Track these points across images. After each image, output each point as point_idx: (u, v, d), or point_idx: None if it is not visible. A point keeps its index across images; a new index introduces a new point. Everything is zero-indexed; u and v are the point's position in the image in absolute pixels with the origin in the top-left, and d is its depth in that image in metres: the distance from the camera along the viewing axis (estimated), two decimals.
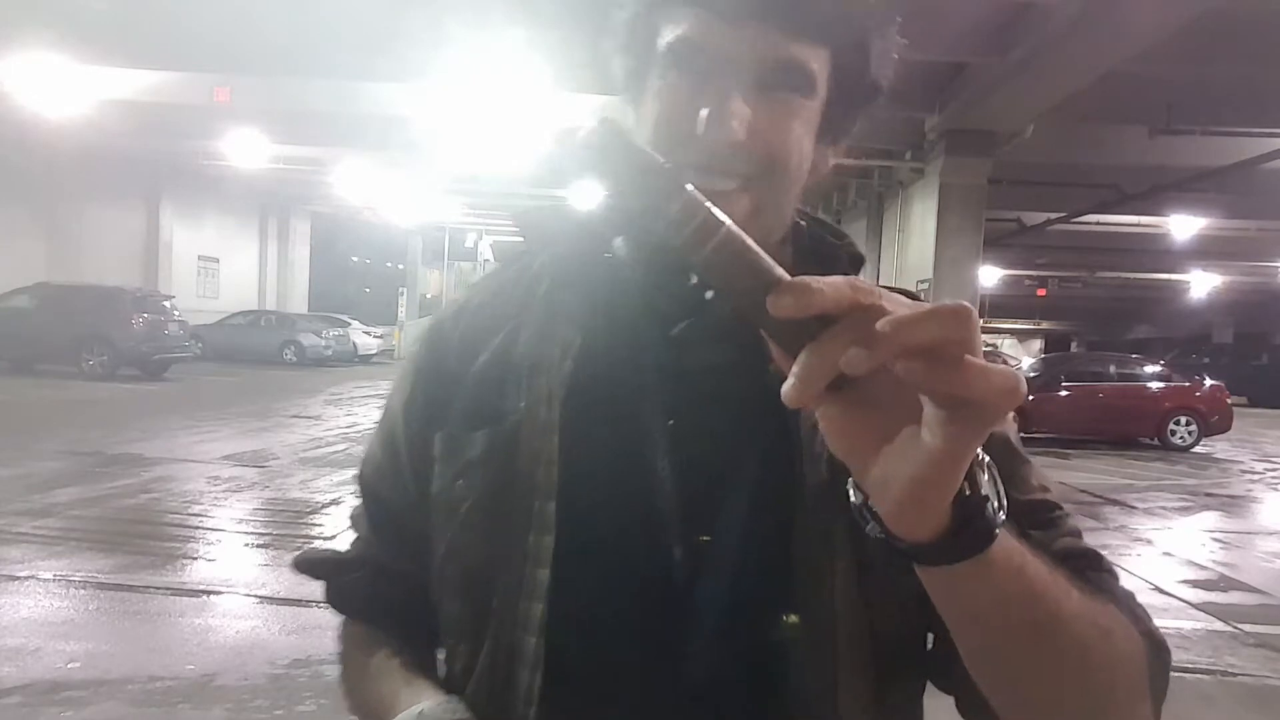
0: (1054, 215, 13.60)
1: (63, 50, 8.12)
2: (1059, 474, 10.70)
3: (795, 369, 0.43)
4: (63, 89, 9.54)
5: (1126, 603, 0.64)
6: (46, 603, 4.29)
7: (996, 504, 0.50)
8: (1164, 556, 6.76)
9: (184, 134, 13.98)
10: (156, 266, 21.12)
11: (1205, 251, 18.91)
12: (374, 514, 0.86)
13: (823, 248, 0.79)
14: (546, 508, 0.69)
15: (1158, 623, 0.64)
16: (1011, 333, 40.76)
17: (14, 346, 15.15)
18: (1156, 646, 0.62)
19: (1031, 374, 14.97)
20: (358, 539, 0.88)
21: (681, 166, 0.63)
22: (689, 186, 0.44)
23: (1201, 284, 25.85)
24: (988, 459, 0.50)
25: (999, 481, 0.51)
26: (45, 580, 4.62)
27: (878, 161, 11.02)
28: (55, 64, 8.45)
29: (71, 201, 18.72)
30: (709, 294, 0.71)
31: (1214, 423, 14.03)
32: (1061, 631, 0.56)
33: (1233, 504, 9.51)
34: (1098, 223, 14.29)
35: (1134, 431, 14.15)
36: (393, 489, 0.83)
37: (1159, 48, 6.37)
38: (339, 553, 0.87)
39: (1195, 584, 5.90)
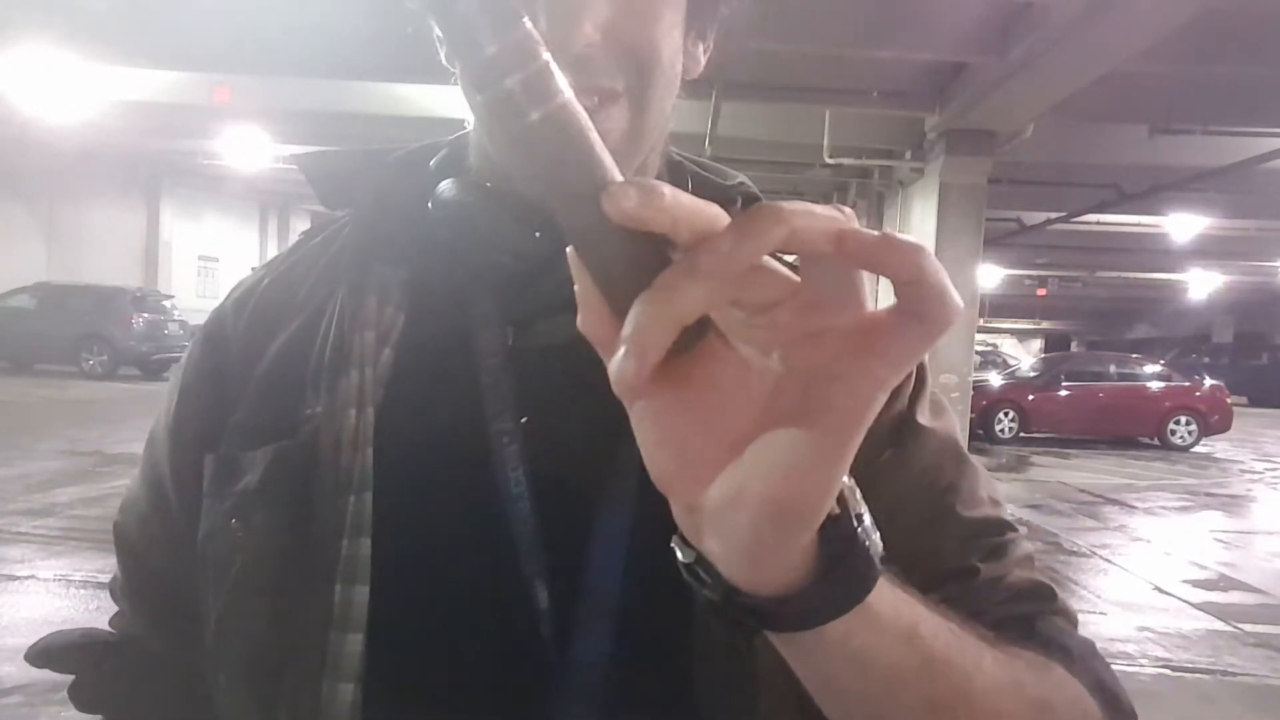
0: (1054, 215, 13.59)
1: (62, 49, 8.11)
2: (1059, 474, 10.70)
3: (629, 326, 0.29)
4: (62, 88, 9.53)
5: (1082, 656, 0.51)
6: (46, 603, 4.29)
7: (873, 528, 0.36)
8: (1164, 556, 6.76)
9: (184, 134, 13.95)
10: (156, 266, 21.11)
11: (1205, 251, 18.89)
12: (134, 580, 0.66)
13: (708, 187, 0.61)
14: (358, 548, 0.51)
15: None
16: (1011, 333, 40.77)
17: (14, 346, 15.13)
18: (1119, 712, 0.50)
19: (1031, 374, 14.98)
20: (118, 615, 0.69)
21: None
22: (528, 22, 0.30)
23: (1201, 284, 25.83)
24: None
25: (864, 504, 0.36)
26: (45, 580, 4.62)
27: (878, 161, 11.01)
28: (55, 63, 8.44)
29: (71, 201, 18.71)
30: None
31: (1214, 422, 14.03)
32: (972, 711, 0.42)
33: (1233, 503, 9.51)
34: (1098, 223, 14.27)
35: (1134, 431, 14.15)
36: (157, 543, 0.63)
37: (1159, 47, 6.36)
38: (91, 636, 0.67)
39: (1195, 583, 5.90)
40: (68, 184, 18.12)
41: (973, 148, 9.41)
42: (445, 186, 0.57)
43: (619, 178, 0.30)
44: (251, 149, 13.80)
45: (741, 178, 0.63)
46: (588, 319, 0.32)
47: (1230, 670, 4.32)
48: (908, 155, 10.41)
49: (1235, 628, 4.92)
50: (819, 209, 0.29)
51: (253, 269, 0.67)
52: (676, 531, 0.36)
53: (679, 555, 0.36)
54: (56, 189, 18.07)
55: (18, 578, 4.65)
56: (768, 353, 0.31)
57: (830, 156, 10.28)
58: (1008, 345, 37.91)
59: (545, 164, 0.31)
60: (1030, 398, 13.92)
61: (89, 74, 9.33)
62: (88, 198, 19.13)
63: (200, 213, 22.48)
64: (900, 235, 0.29)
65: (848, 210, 0.30)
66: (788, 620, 0.35)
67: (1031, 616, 0.53)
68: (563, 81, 0.31)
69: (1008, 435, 13.75)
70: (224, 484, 0.56)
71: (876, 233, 0.29)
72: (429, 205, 0.57)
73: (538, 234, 0.53)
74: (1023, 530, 0.58)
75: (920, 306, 0.29)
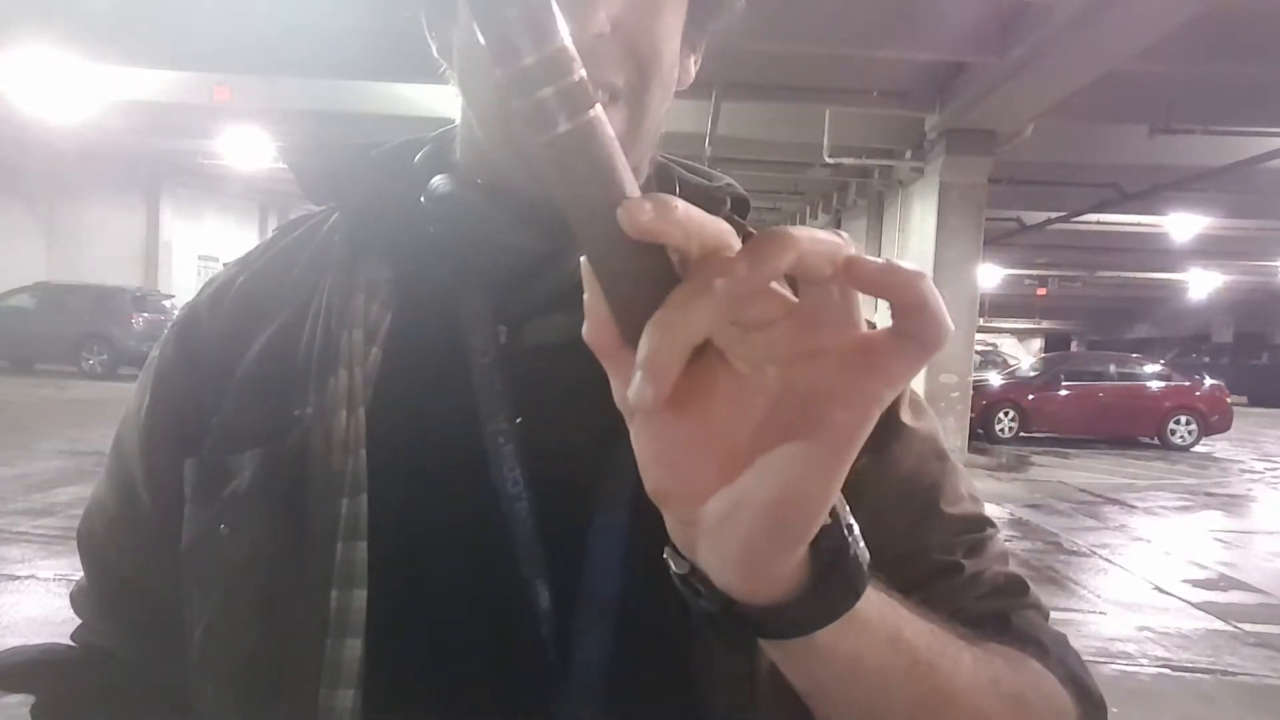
0: (1054, 215, 13.60)
1: (62, 49, 8.11)
2: (1059, 474, 10.70)
3: (644, 350, 0.30)
4: (62, 88, 9.53)
5: (1056, 650, 0.53)
6: (46, 603, 4.29)
7: (860, 537, 0.37)
8: (1164, 556, 6.76)
9: (184, 133, 13.96)
10: (156, 266, 21.11)
11: (1205, 251, 18.90)
12: (104, 588, 0.63)
13: (696, 189, 0.61)
14: (354, 551, 0.50)
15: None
16: (1011, 332, 40.78)
17: (14, 346, 15.13)
18: (1090, 704, 0.52)
19: (1031, 373, 14.99)
20: (82, 627, 0.65)
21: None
22: (566, 37, 0.31)
23: (1201, 284, 25.83)
24: None
25: (851, 514, 0.37)
26: (45, 580, 4.62)
27: (878, 161, 11.01)
28: (55, 63, 8.44)
29: (71, 201, 18.71)
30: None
31: (1214, 422, 14.03)
32: (956, 709, 0.43)
33: (1233, 503, 9.51)
34: (1098, 222, 14.27)
35: (1134, 431, 14.15)
36: (128, 549, 0.60)
37: (1159, 47, 6.36)
38: (51, 652, 0.63)
39: (1195, 583, 5.89)
40: (68, 184, 18.11)
41: (973, 148, 9.40)
42: (439, 182, 0.56)
43: (637, 193, 0.31)
44: (251, 149, 13.78)
45: (728, 179, 0.63)
46: (594, 330, 0.32)
47: (1230, 670, 4.32)
48: (908, 155, 10.41)
49: (1235, 628, 4.91)
50: (823, 234, 0.30)
51: (224, 264, 0.65)
52: (669, 543, 0.36)
53: (673, 566, 0.37)
54: (56, 189, 18.06)
55: (18, 578, 4.65)
56: (763, 370, 0.32)
57: (830, 156, 10.28)
58: (1008, 345, 37.89)
59: (568, 175, 0.31)
60: (1030, 397, 13.91)
61: (89, 74, 9.33)
62: (88, 198, 19.12)
63: (200, 213, 22.48)
64: (901, 262, 0.30)
65: (845, 235, 0.31)
66: (781, 628, 0.36)
67: (1007, 611, 0.55)
68: (593, 97, 0.31)
69: (1008, 435, 13.75)
70: (210, 489, 0.54)
71: (880, 260, 0.30)
72: (421, 200, 0.56)
73: (538, 232, 0.53)
74: (997, 528, 0.60)
75: (918, 329, 0.30)
